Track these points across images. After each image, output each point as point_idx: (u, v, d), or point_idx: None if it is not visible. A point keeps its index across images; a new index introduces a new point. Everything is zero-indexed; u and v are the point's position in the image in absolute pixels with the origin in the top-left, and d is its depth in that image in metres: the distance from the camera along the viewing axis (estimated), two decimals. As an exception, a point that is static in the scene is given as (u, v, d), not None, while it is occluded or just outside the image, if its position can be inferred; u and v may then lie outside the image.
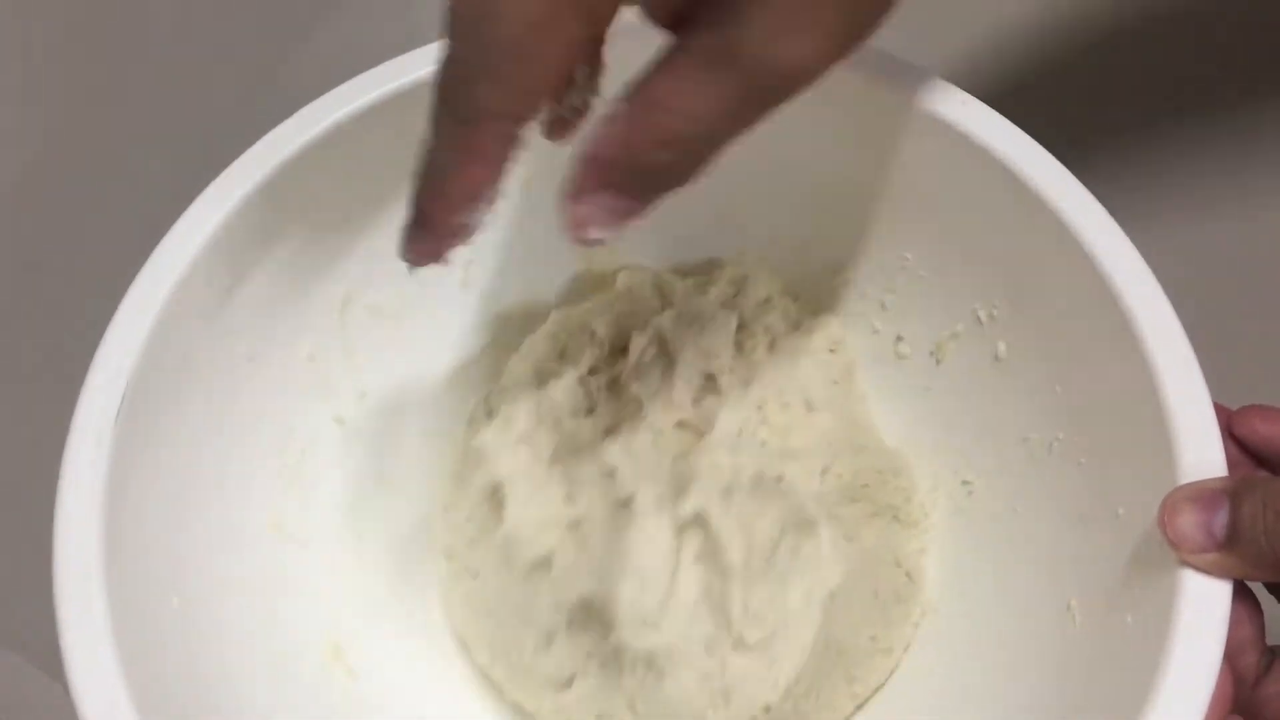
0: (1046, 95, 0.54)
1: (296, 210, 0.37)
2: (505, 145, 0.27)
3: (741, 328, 0.42)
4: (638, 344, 0.41)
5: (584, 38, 0.26)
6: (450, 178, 0.27)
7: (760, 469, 0.38)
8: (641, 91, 0.27)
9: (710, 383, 0.40)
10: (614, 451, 0.38)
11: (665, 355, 0.41)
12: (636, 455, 0.38)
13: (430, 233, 0.29)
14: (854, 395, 0.44)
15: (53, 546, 0.30)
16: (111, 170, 0.53)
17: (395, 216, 0.39)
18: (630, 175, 0.28)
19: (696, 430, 0.40)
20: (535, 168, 0.41)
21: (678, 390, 0.40)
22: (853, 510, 0.41)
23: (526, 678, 0.40)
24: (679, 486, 0.38)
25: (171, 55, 0.56)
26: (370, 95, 0.37)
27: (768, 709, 0.38)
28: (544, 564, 0.39)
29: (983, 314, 0.38)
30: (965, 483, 0.40)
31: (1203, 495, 0.29)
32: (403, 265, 0.41)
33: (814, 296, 0.44)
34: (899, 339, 0.42)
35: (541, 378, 0.42)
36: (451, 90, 0.26)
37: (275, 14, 0.56)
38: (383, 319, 0.42)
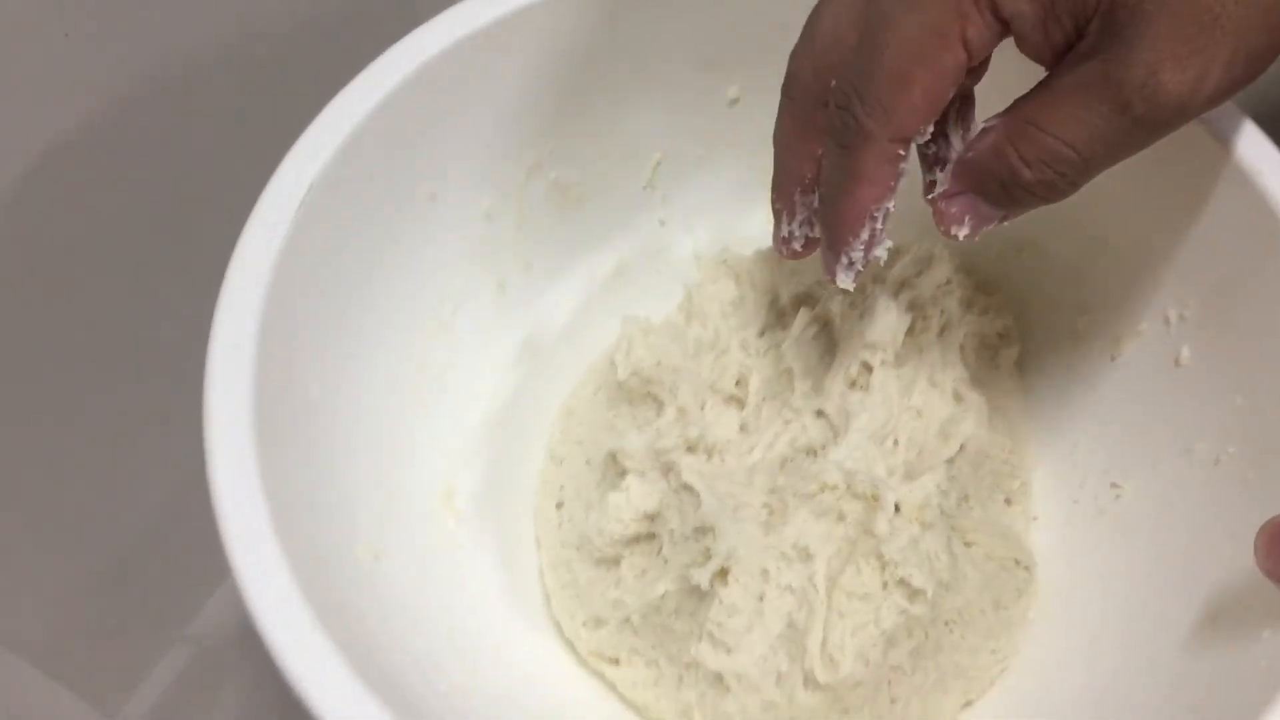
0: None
1: (508, 63, 0.37)
2: (888, 166, 0.29)
3: (915, 307, 0.40)
4: (802, 319, 0.39)
5: (959, 67, 0.28)
6: (842, 200, 0.30)
7: (873, 490, 0.36)
8: (1021, 110, 0.29)
9: (865, 373, 0.39)
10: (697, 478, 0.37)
11: (828, 336, 0.40)
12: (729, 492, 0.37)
13: (836, 251, 0.31)
14: (1007, 385, 0.42)
15: (209, 352, 0.30)
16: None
17: (598, 100, 0.40)
18: (1000, 187, 0.30)
19: (832, 426, 0.38)
20: (744, 83, 0.41)
21: (830, 378, 0.38)
22: (971, 516, 0.39)
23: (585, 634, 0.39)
24: (781, 511, 0.37)
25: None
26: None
27: None
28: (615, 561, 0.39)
29: (1173, 315, 0.36)
30: (1114, 485, 0.38)
31: None
32: (594, 148, 0.42)
33: (993, 272, 0.42)
34: (1079, 323, 0.40)
35: (700, 343, 0.41)
36: (838, 118, 0.29)
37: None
38: (565, 197, 0.42)
